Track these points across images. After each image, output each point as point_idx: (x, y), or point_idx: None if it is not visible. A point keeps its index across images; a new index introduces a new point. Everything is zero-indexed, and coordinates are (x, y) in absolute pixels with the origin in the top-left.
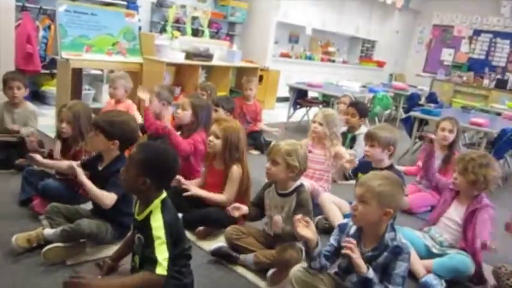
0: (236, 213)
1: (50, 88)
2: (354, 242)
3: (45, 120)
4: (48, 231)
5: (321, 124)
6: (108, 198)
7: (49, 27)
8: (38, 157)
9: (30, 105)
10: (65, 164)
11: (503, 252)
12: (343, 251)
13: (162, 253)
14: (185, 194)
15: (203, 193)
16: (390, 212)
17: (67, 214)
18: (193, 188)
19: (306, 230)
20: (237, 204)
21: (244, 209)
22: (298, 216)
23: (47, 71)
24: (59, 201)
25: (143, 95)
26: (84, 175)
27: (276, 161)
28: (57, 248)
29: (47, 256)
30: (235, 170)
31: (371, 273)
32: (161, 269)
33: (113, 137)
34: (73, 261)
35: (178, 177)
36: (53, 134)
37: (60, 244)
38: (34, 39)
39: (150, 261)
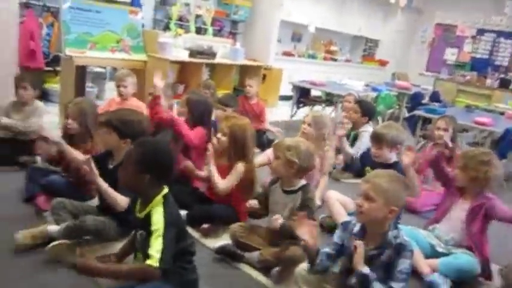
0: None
1: (53, 85)
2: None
3: (49, 118)
4: (53, 227)
5: (309, 125)
6: (123, 201)
7: (52, 24)
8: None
9: (37, 103)
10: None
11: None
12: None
13: (156, 245)
14: None
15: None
16: (395, 211)
17: (72, 210)
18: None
19: (305, 233)
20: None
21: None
22: (302, 214)
23: (51, 68)
24: (63, 197)
25: (159, 82)
26: (104, 182)
27: (277, 155)
28: (61, 244)
29: (51, 253)
30: (239, 165)
31: (367, 269)
32: (152, 260)
33: (126, 136)
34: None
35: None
36: (57, 131)
37: (64, 241)
38: (37, 36)
39: (146, 255)
